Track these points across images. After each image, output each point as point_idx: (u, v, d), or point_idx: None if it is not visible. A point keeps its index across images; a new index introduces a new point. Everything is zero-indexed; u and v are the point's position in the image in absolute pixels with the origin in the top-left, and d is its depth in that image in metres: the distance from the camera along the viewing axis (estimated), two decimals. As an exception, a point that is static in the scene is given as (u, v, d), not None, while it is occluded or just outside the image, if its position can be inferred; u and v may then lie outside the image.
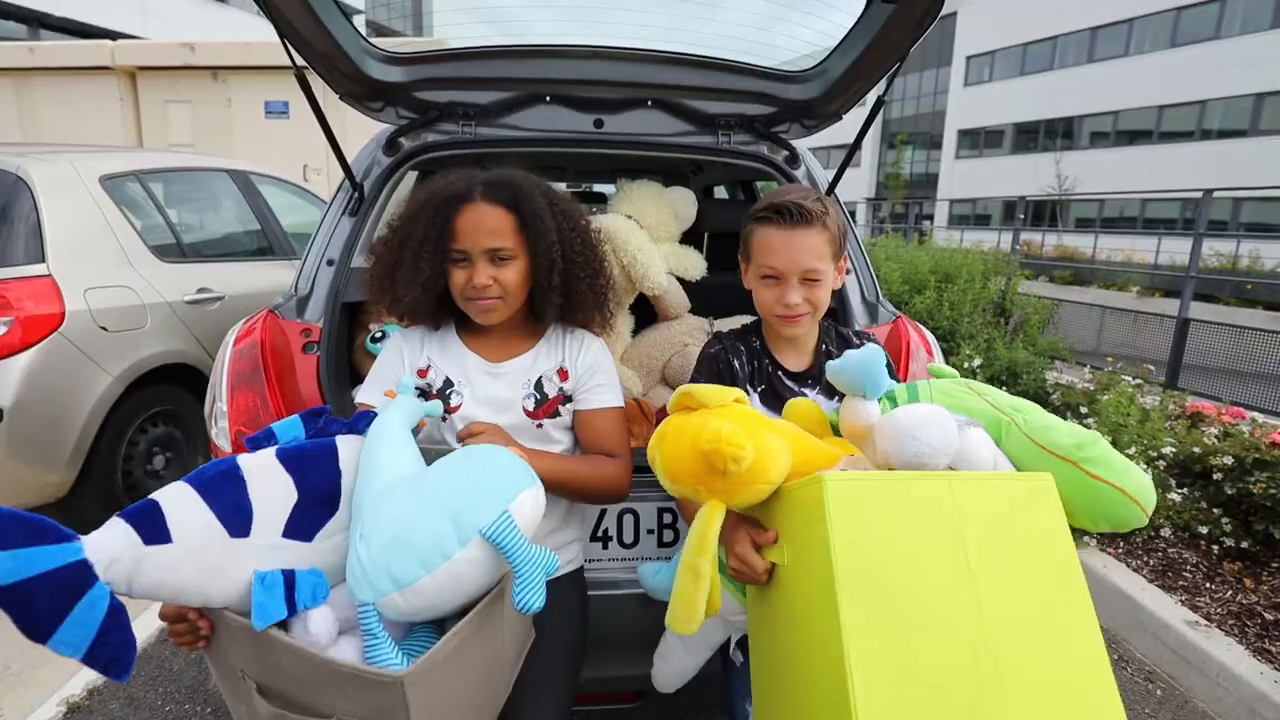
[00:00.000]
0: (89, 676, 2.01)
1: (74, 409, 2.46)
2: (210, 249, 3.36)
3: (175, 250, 3.04)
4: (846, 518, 0.79)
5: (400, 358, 1.27)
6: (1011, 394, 1.10)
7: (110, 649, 0.74)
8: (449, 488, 0.85)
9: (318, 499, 0.90)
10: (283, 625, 0.82)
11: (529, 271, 1.20)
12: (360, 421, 1.01)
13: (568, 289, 1.23)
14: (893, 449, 0.91)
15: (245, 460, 0.89)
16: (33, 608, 0.69)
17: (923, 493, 0.82)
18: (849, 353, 1.00)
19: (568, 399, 1.26)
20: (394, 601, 0.81)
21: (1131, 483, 0.92)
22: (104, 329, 2.55)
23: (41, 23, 13.40)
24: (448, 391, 1.22)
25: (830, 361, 1.03)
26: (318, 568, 0.87)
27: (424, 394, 1.22)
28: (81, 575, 0.72)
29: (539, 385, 1.25)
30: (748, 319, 2.06)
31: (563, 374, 1.27)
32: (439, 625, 0.91)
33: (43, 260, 2.46)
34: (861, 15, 1.56)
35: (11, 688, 2.00)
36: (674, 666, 1.32)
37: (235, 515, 0.83)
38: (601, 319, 1.32)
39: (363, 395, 1.25)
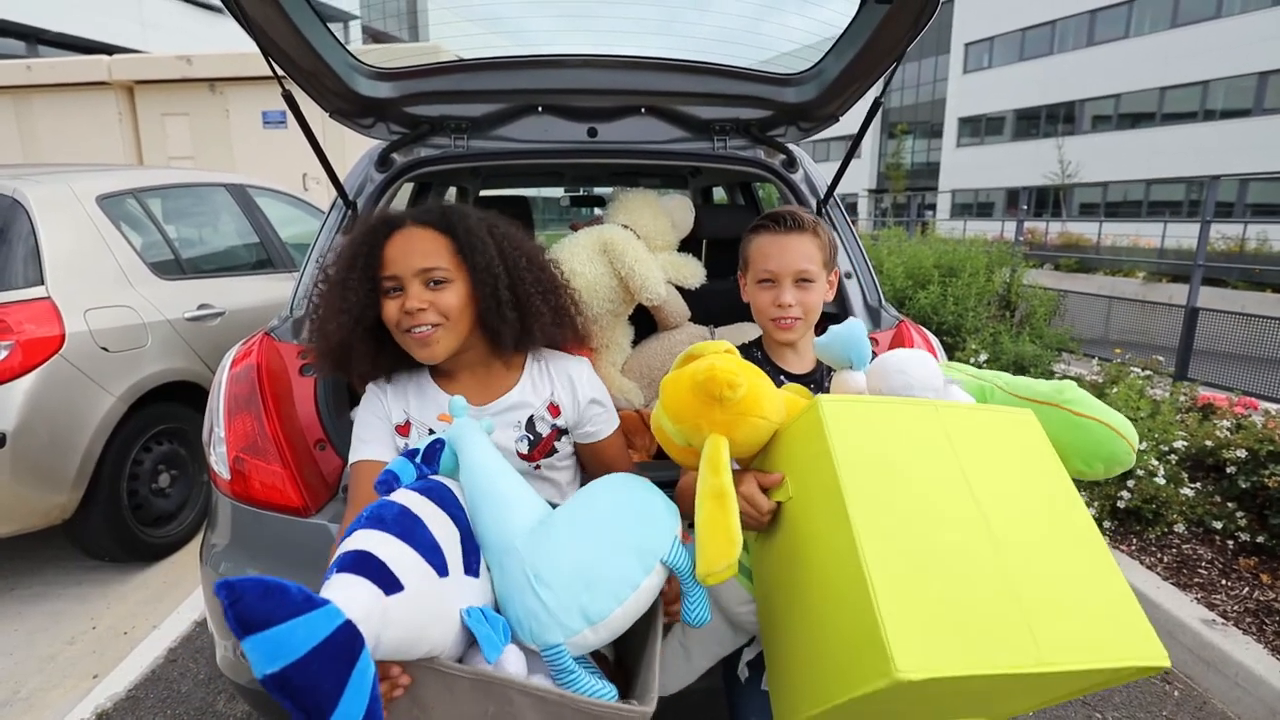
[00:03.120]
0: (98, 700, 2.01)
1: (77, 431, 2.46)
2: (209, 264, 3.36)
3: (174, 267, 3.04)
4: (844, 431, 0.82)
5: (382, 405, 1.19)
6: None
7: (375, 717, 0.66)
8: (623, 523, 0.90)
9: (467, 534, 0.89)
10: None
11: (471, 294, 1.12)
12: (435, 459, 0.98)
13: (520, 306, 1.16)
14: (883, 384, 0.97)
15: (404, 500, 0.85)
16: (317, 686, 0.61)
17: (911, 415, 0.87)
18: (832, 328, 1.05)
19: (563, 432, 1.21)
20: (585, 638, 0.83)
21: (1114, 418, 0.98)
22: (105, 349, 2.55)
23: (39, 38, 13.44)
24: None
25: (816, 339, 1.08)
26: (487, 606, 0.86)
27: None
28: (351, 639, 0.65)
29: (530, 425, 1.18)
30: (749, 325, 2.04)
31: (554, 409, 1.20)
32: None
33: (41, 283, 2.46)
34: (856, 16, 1.54)
35: (22, 713, 2.00)
36: (671, 676, 1.27)
37: (434, 554, 0.80)
38: (575, 337, 1.27)
39: (360, 453, 1.17)
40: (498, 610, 0.89)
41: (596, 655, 1.03)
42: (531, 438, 1.19)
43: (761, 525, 0.98)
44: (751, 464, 1.02)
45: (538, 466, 1.19)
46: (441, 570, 0.80)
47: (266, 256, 3.63)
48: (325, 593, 0.68)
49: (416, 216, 1.14)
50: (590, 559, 0.85)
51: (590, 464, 1.27)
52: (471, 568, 0.87)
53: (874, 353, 1.39)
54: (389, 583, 0.73)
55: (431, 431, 1.16)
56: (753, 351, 1.34)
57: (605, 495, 0.95)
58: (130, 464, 2.69)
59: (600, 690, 0.81)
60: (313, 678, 0.61)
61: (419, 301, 1.08)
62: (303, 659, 0.60)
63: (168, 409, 2.82)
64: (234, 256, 3.54)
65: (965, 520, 0.77)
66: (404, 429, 1.18)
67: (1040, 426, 0.91)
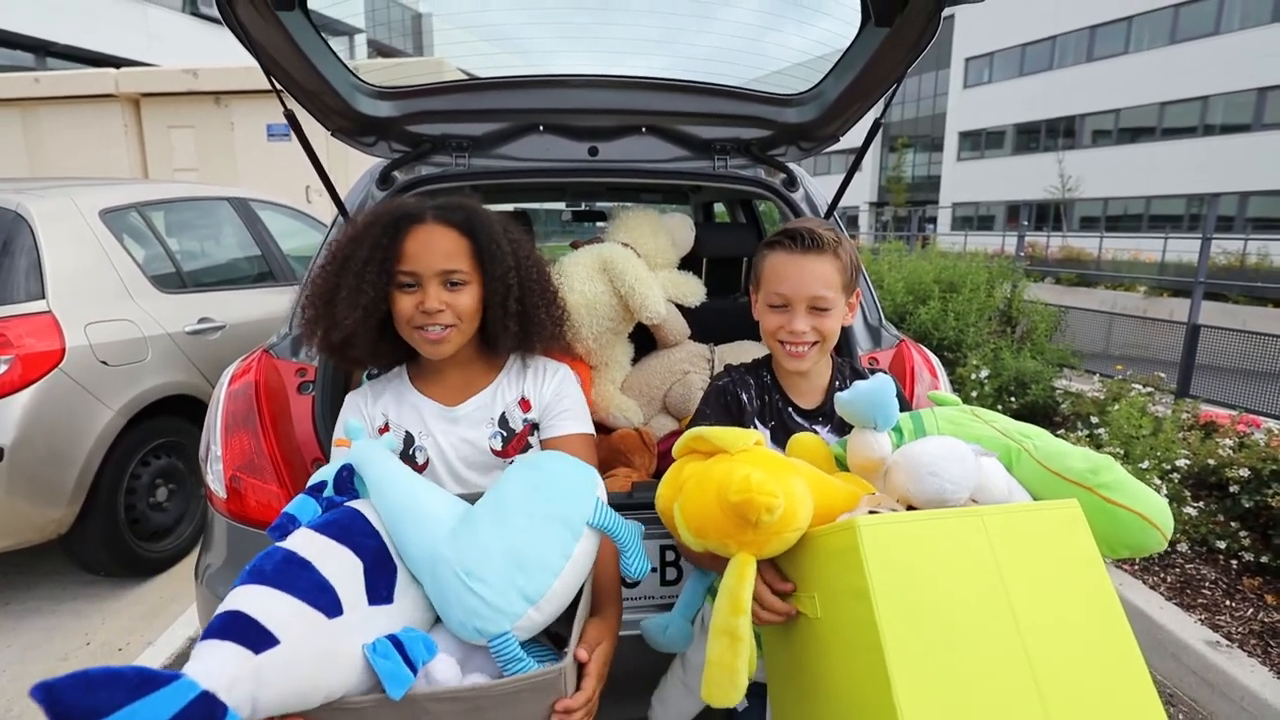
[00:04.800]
0: None
1: (76, 445, 2.45)
2: (211, 277, 3.36)
3: (176, 281, 3.04)
4: (884, 564, 0.77)
5: (363, 411, 1.21)
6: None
7: None
8: (541, 497, 0.90)
9: (377, 561, 0.88)
10: None
11: (482, 299, 1.14)
12: (349, 486, 0.98)
13: (524, 317, 1.18)
14: (913, 486, 0.89)
15: (293, 543, 0.84)
16: None
17: (956, 530, 0.81)
18: (858, 384, 0.97)
19: (535, 427, 1.21)
20: (531, 619, 0.84)
21: (1149, 506, 0.90)
22: (105, 363, 2.55)
23: (47, 50, 13.57)
24: (411, 450, 1.17)
25: (839, 393, 1.00)
26: (409, 626, 0.85)
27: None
28: (209, 710, 0.63)
29: (503, 421, 1.19)
30: (750, 343, 2.03)
31: (525, 404, 1.21)
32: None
33: (43, 297, 2.46)
34: (856, 38, 1.54)
35: (13, 732, 1.98)
36: (674, 710, 1.28)
37: (322, 596, 0.78)
38: (560, 347, 1.28)
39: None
40: (438, 621, 0.90)
41: (554, 636, 1.02)
42: (505, 434, 1.19)
43: (772, 623, 0.93)
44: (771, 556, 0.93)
45: (513, 462, 1.18)
46: (332, 610, 0.78)
47: (268, 269, 3.64)
48: (187, 665, 0.67)
49: (439, 214, 1.13)
50: (518, 541, 0.86)
51: None
52: (381, 595, 0.85)
53: (876, 369, 1.39)
54: (260, 640, 0.71)
55: (409, 433, 1.18)
56: (761, 375, 1.27)
57: (519, 475, 0.95)
58: (128, 478, 2.68)
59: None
60: None
61: (437, 303, 1.09)
62: None
63: (166, 423, 2.81)
64: (235, 270, 3.54)
65: (1003, 657, 0.74)
66: (383, 430, 1.19)
67: (1085, 522, 0.84)
